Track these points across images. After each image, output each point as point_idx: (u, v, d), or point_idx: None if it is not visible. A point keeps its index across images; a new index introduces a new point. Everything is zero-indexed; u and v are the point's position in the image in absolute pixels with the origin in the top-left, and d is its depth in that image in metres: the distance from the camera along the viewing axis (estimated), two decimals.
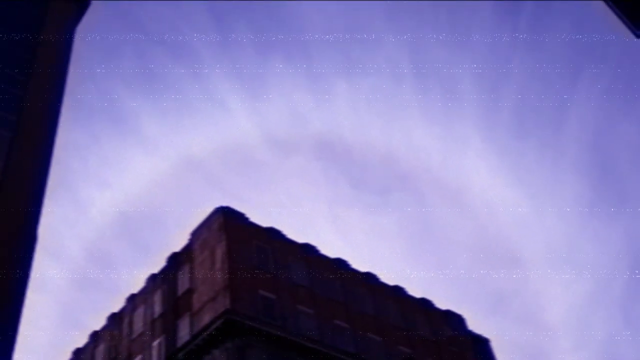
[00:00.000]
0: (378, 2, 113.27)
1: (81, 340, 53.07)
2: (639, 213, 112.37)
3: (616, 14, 16.31)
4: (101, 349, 46.51)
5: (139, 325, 43.38)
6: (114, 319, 46.98)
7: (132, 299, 46.15)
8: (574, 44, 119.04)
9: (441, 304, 50.58)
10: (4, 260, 24.22)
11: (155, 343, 40.31)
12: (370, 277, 46.46)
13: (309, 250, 43.55)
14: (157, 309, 42.15)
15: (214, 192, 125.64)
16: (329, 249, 73.38)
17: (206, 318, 36.28)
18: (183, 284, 40.79)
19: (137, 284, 61.96)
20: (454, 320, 50.05)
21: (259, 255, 39.62)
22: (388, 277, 64.59)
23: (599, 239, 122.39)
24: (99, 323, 48.89)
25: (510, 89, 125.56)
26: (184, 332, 37.93)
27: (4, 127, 28.07)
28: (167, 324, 40.20)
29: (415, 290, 52.81)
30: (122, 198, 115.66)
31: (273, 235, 41.86)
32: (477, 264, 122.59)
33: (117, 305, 48.09)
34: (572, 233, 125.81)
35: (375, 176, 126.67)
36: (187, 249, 42.47)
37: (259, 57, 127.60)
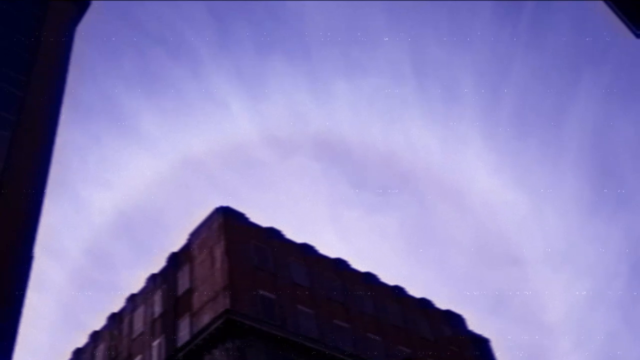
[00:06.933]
0: (378, 2, 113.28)
1: (81, 340, 53.14)
2: (639, 213, 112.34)
3: (616, 14, 16.32)
4: (101, 349, 46.50)
5: (139, 325, 43.37)
6: (114, 319, 46.97)
7: (132, 299, 46.14)
8: (574, 44, 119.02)
9: (441, 304, 50.64)
10: (4, 260, 24.22)
11: (155, 343, 40.31)
12: (370, 277, 46.45)
13: (308, 250, 43.56)
14: (157, 309, 42.15)
15: (214, 192, 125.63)
16: (329, 249, 73.40)
17: (206, 318, 36.29)
18: (183, 284, 40.79)
19: (137, 284, 62.00)
20: (454, 320, 50.04)
21: (258, 255, 39.63)
22: (388, 277, 64.60)
23: (599, 239, 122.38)
24: (99, 323, 48.94)
25: (510, 89, 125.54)
26: (184, 332, 37.93)
27: (4, 127, 28.06)
28: (167, 324, 40.20)
29: (415, 290, 52.81)
30: (122, 198, 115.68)
31: (273, 235, 41.87)
32: (477, 264, 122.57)
33: (117, 305, 48.14)
34: (572, 233, 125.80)
35: (375, 176, 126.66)
36: (187, 248, 42.47)
37: (259, 57, 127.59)
